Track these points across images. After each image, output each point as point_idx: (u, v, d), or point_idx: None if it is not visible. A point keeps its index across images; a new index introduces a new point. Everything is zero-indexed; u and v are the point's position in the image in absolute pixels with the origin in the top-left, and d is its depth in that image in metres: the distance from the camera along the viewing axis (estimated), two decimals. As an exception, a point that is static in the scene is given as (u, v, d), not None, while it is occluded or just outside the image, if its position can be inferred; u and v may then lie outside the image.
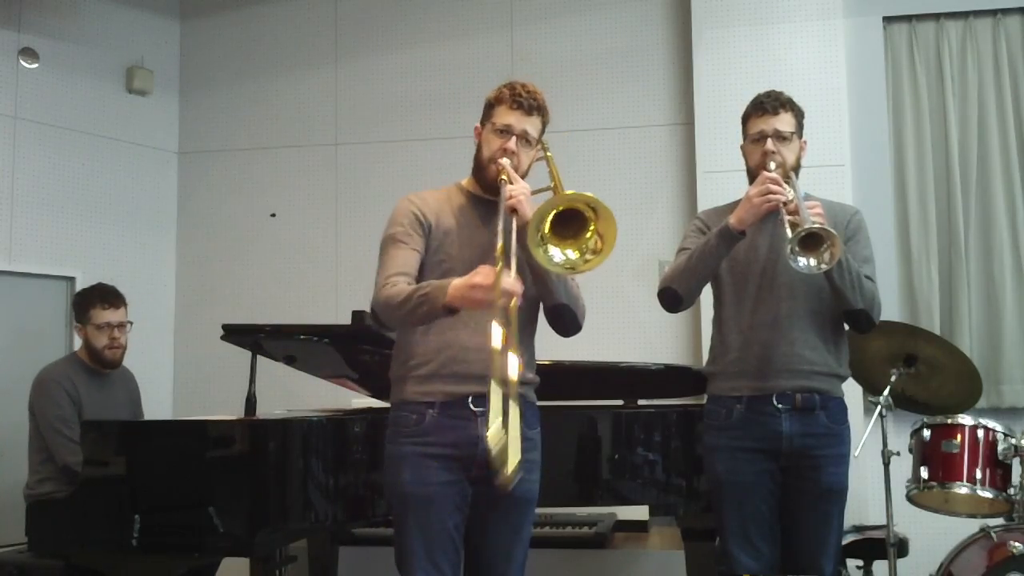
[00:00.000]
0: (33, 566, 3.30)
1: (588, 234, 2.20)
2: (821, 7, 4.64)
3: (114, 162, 5.16)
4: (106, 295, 3.80)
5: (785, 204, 2.56)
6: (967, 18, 4.62)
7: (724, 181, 4.24)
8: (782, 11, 4.67)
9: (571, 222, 2.19)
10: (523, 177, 2.43)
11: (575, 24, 5.08)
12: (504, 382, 2.12)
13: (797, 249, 2.45)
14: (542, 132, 2.50)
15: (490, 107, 2.49)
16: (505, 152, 2.41)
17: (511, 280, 2.14)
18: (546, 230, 2.17)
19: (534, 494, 2.47)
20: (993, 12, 4.59)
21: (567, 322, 2.49)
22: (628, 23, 5.03)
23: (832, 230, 2.45)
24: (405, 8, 5.28)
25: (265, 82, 5.42)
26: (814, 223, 2.45)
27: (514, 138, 2.42)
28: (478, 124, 2.52)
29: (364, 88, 5.27)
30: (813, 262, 2.47)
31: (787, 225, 2.51)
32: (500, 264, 2.16)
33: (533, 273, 2.37)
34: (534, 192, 2.39)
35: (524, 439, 2.41)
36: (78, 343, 3.91)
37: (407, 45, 5.22)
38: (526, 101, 2.43)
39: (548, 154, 2.55)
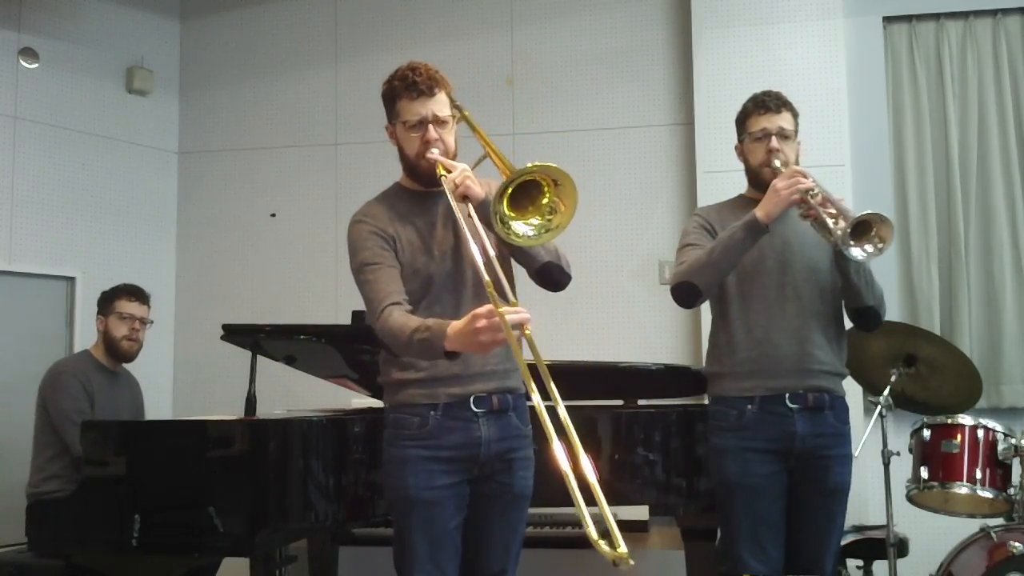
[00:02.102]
0: (33, 566, 3.30)
1: (544, 198, 2.12)
2: (821, 7, 4.64)
3: (114, 162, 5.16)
4: (134, 290, 3.88)
5: (812, 196, 2.57)
6: (967, 18, 4.62)
7: (724, 181, 4.23)
8: (782, 11, 4.67)
9: (524, 191, 2.12)
10: (454, 156, 2.38)
11: (575, 24, 5.08)
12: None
13: (850, 241, 2.46)
14: (452, 104, 2.42)
15: (391, 104, 2.41)
16: (429, 144, 2.35)
17: (516, 313, 2.00)
18: (505, 210, 2.09)
19: (530, 490, 2.47)
20: (993, 12, 4.60)
21: (557, 276, 2.39)
22: (628, 23, 5.02)
23: (883, 213, 2.47)
24: (405, 8, 5.28)
25: (265, 82, 5.42)
26: (859, 213, 2.47)
27: (429, 126, 2.34)
28: (387, 124, 2.45)
29: (364, 88, 5.25)
30: (869, 248, 2.48)
31: (823, 216, 2.53)
32: (493, 296, 2.02)
33: (510, 248, 2.30)
34: (473, 166, 2.34)
35: (521, 435, 2.44)
36: (90, 341, 3.92)
37: (407, 45, 5.21)
38: (422, 84, 2.33)
39: (465, 114, 2.44)
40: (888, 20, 4.70)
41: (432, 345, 2.13)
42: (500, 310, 1.98)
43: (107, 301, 3.84)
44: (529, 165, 2.08)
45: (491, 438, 2.37)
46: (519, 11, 5.15)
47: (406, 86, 2.35)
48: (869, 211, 2.47)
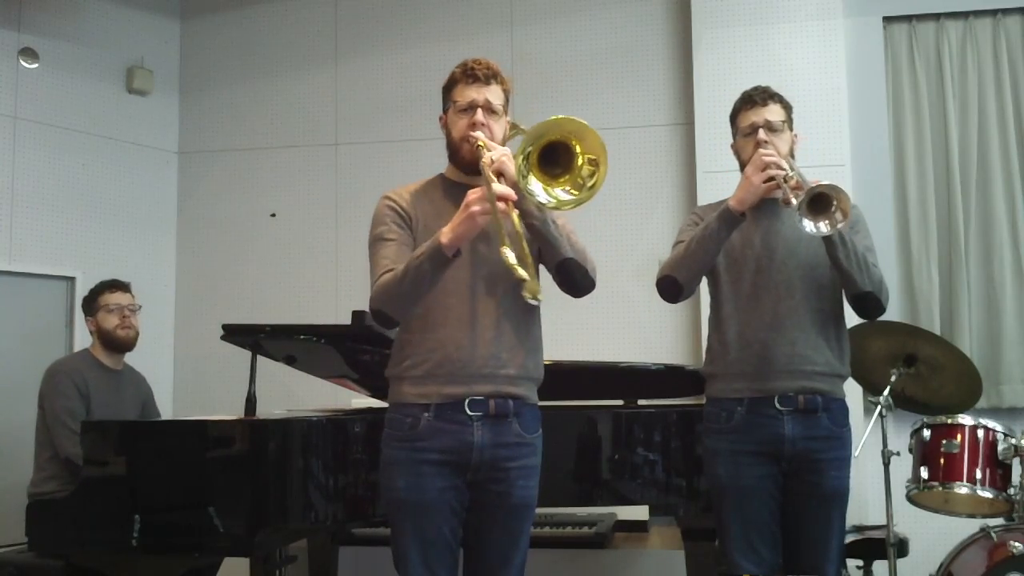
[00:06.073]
0: (33, 566, 3.31)
1: (579, 162, 2.13)
2: (821, 7, 4.64)
3: (114, 162, 5.16)
4: (113, 282, 3.91)
5: (786, 180, 2.52)
6: (967, 18, 4.62)
7: (724, 181, 4.20)
8: (782, 11, 4.67)
9: (556, 157, 2.13)
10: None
11: (575, 24, 5.08)
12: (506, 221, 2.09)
13: (806, 213, 2.40)
14: (507, 102, 2.45)
15: (447, 92, 2.46)
16: (474, 126, 2.37)
17: (501, 187, 2.12)
18: (535, 170, 2.11)
19: (532, 500, 2.41)
20: (993, 12, 4.60)
21: (578, 278, 2.37)
22: (628, 23, 5.03)
23: (839, 186, 2.40)
24: (405, 8, 5.28)
25: (265, 82, 5.42)
26: (819, 184, 2.40)
27: (479, 110, 2.37)
28: (442, 114, 2.49)
29: (364, 88, 5.26)
30: (824, 225, 2.42)
31: (792, 197, 2.47)
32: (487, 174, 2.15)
33: (532, 233, 2.28)
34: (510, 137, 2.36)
35: (521, 444, 2.38)
36: (85, 342, 3.92)
37: (407, 45, 5.22)
38: (480, 71, 2.40)
39: (522, 127, 2.46)
40: (888, 20, 4.71)
41: (431, 251, 2.18)
42: (487, 182, 2.12)
43: (91, 300, 3.87)
44: (540, 123, 2.09)
45: (484, 443, 2.32)
46: (519, 11, 5.15)
47: (464, 72, 2.42)
48: (825, 182, 2.40)
